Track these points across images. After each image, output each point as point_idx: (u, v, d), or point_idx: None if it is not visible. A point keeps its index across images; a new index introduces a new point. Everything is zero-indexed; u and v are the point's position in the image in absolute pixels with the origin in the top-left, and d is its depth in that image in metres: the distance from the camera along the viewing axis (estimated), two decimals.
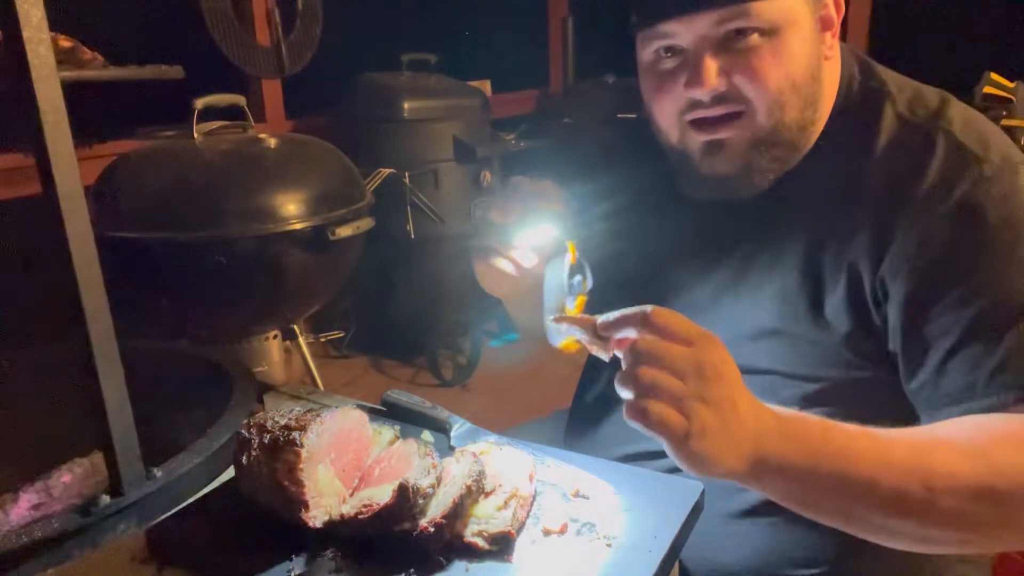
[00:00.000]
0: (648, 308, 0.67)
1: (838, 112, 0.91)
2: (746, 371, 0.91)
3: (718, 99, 0.85)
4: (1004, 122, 2.62)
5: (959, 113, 0.87)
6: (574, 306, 0.89)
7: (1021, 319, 0.77)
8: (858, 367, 0.88)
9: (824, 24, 0.88)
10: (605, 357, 0.74)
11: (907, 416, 0.85)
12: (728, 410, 0.66)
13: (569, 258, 0.89)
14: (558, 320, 0.75)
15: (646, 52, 0.90)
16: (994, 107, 2.67)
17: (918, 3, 3.16)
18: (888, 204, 0.83)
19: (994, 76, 2.71)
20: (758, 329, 0.92)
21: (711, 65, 0.83)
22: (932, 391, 0.82)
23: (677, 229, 1.00)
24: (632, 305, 1.00)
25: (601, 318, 0.71)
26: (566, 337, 0.82)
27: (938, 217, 0.81)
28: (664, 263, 1.00)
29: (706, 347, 0.66)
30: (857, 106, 0.91)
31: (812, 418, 0.73)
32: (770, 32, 0.83)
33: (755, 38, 0.83)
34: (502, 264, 0.93)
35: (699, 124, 0.88)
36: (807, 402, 0.89)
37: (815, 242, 0.88)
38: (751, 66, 0.83)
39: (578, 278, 0.89)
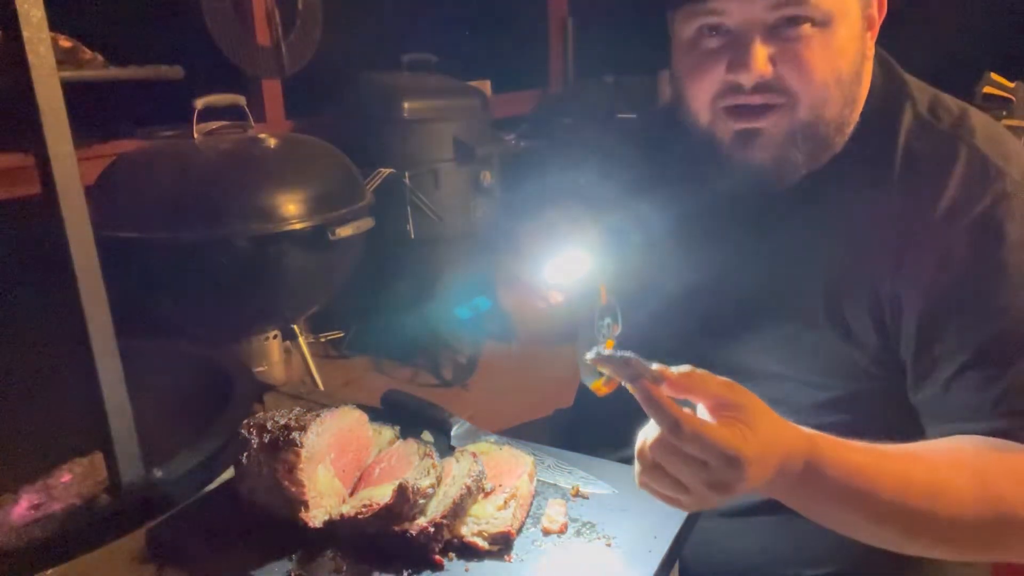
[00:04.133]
0: (680, 420, 0.64)
1: (864, 113, 0.88)
2: (761, 376, 0.90)
3: (760, 87, 0.81)
4: (1004, 122, 2.61)
5: (980, 123, 0.86)
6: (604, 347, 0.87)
7: None
8: (874, 377, 0.87)
9: (867, 23, 0.85)
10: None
11: (917, 426, 0.84)
12: (730, 497, 0.67)
13: (600, 301, 0.85)
14: (596, 362, 0.70)
15: (687, 29, 0.85)
16: (994, 107, 2.67)
17: (918, 3, 3.16)
18: (908, 216, 0.82)
19: (994, 76, 2.71)
20: (777, 335, 0.91)
21: (760, 51, 0.80)
22: (937, 406, 0.81)
23: (699, 241, 0.97)
24: (652, 322, 0.97)
25: (640, 389, 0.66)
26: (598, 378, 0.80)
27: (957, 233, 0.79)
28: (687, 275, 0.98)
29: (723, 472, 0.64)
30: (879, 107, 0.89)
31: (836, 465, 0.71)
32: (823, 23, 0.79)
33: (807, 27, 0.79)
34: (532, 299, 0.92)
35: (735, 112, 0.84)
36: (820, 409, 0.88)
37: (836, 251, 0.86)
38: (800, 56, 0.80)
39: (608, 321, 0.86)
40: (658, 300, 0.99)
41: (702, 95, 0.85)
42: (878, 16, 0.86)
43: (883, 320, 0.84)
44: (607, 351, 0.68)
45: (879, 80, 0.90)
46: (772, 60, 0.80)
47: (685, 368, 0.67)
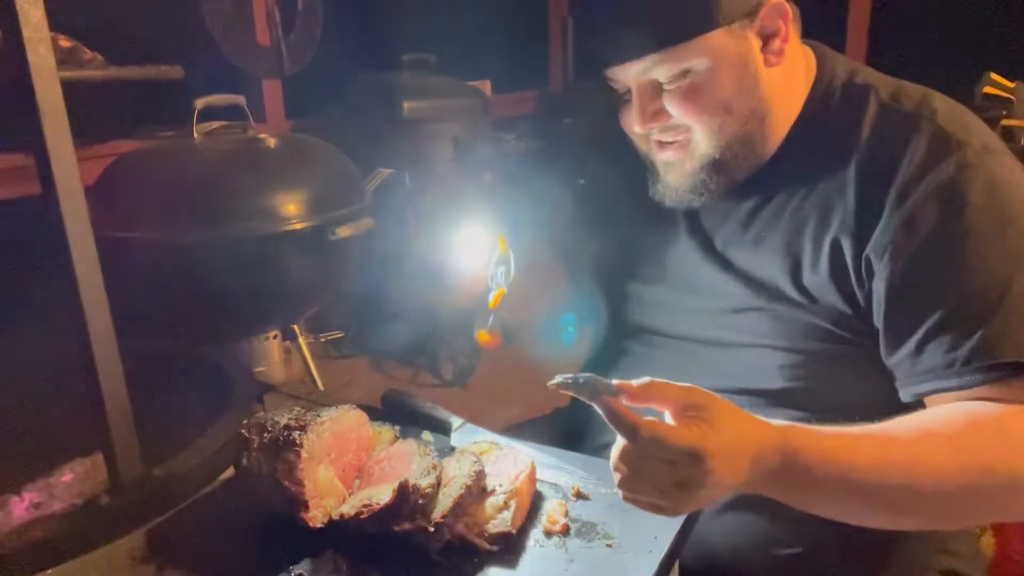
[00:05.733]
0: (639, 426, 0.68)
1: (815, 108, 0.94)
2: (732, 345, 0.97)
3: (662, 131, 0.94)
4: (1004, 122, 2.61)
5: (942, 103, 0.90)
6: (493, 296, 1.00)
7: (999, 304, 0.79)
8: (841, 340, 0.91)
9: (767, 34, 0.90)
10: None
11: (888, 386, 0.87)
12: (712, 496, 0.70)
13: (499, 250, 0.98)
14: (558, 387, 0.74)
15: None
16: (994, 107, 2.66)
17: (918, 3, 3.16)
18: (872, 185, 0.86)
19: (994, 76, 2.71)
20: (742, 304, 0.95)
21: (647, 108, 0.92)
22: (910, 367, 0.84)
23: (663, 218, 1.05)
24: (621, 289, 1.10)
25: (601, 403, 0.71)
26: (482, 328, 0.97)
27: (922, 199, 0.83)
28: (651, 248, 1.06)
29: (687, 468, 0.67)
30: (839, 103, 0.94)
31: (812, 451, 0.73)
32: (693, 71, 0.88)
33: (681, 77, 0.89)
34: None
35: (654, 145, 0.97)
36: (791, 372, 0.92)
37: (794, 227, 0.92)
38: (683, 102, 0.90)
39: (502, 269, 0.99)
40: (625, 281, 1.10)
41: (633, 134, 0.99)
42: (783, 22, 0.90)
43: (850, 288, 0.88)
44: (568, 377, 0.73)
45: (840, 79, 0.95)
46: (662, 109, 0.92)
47: (643, 380, 0.72)
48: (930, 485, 0.74)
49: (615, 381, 0.72)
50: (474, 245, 1.05)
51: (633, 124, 0.95)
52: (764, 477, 0.72)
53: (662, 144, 0.96)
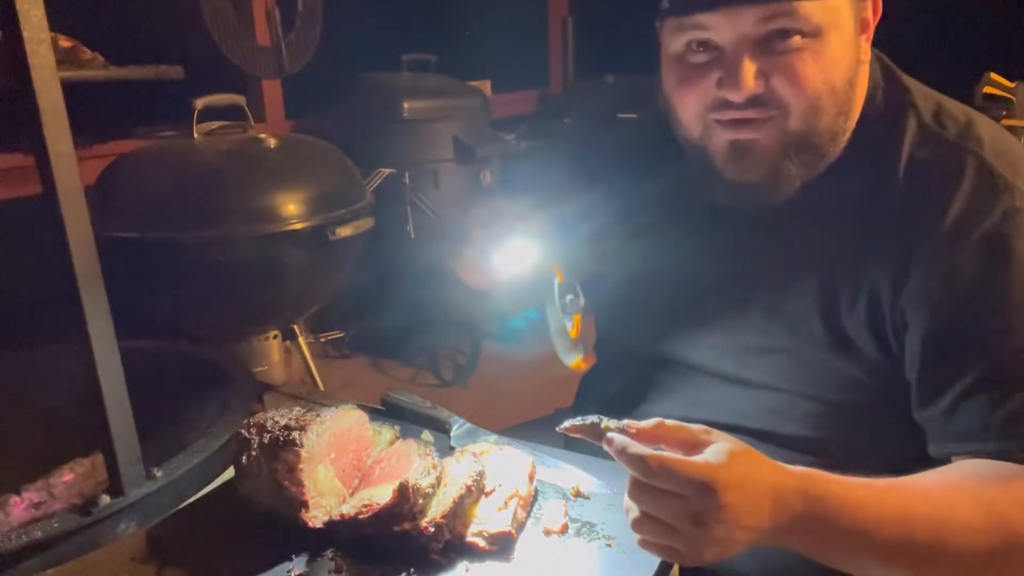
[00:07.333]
0: (646, 457, 0.65)
1: (863, 120, 0.86)
2: (754, 386, 0.91)
3: (752, 101, 0.80)
4: (1004, 122, 2.62)
5: (988, 133, 0.83)
6: (572, 325, 0.95)
7: None
8: (870, 391, 0.85)
9: (861, 26, 0.83)
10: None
11: (914, 440, 0.83)
12: (733, 539, 0.66)
13: (557, 280, 0.94)
14: (566, 431, 0.73)
15: (675, 42, 0.84)
16: (994, 107, 2.67)
17: (918, 3, 3.16)
18: (913, 230, 0.80)
19: (994, 76, 2.71)
20: (769, 345, 0.89)
21: (750, 67, 0.78)
22: (943, 425, 0.80)
23: (690, 241, 0.96)
24: (640, 318, 1.02)
25: (608, 441, 0.69)
26: (576, 356, 0.90)
27: (965, 250, 0.77)
28: (676, 276, 0.97)
29: (699, 500, 0.64)
30: (881, 114, 0.86)
31: (838, 499, 0.69)
32: (813, 33, 0.77)
33: (797, 39, 0.77)
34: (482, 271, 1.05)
35: (727, 124, 0.82)
36: (814, 421, 0.87)
37: (833, 262, 0.84)
38: (792, 69, 0.78)
39: (569, 297, 0.94)
40: (647, 308, 1.01)
41: (692, 108, 0.84)
42: (872, 18, 0.84)
43: (885, 336, 0.82)
44: (575, 420, 0.72)
45: (881, 87, 0.87)
46: (763, 74, 0.79)
47: (652, 420, 0.70)
48: (957, 544, 0.70)
49: (625, 421, 0.70)
50: (505, 254, 1.03)
51: (726, 87, 0.79)
52: (789, 525, 0.67)
53: (738, 122, 0.81)
